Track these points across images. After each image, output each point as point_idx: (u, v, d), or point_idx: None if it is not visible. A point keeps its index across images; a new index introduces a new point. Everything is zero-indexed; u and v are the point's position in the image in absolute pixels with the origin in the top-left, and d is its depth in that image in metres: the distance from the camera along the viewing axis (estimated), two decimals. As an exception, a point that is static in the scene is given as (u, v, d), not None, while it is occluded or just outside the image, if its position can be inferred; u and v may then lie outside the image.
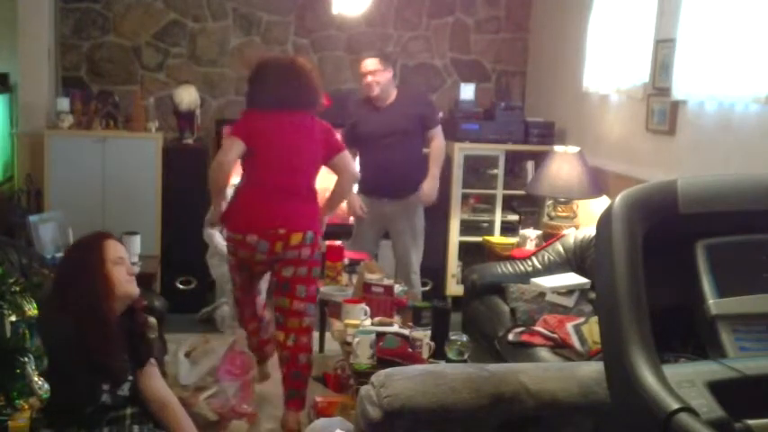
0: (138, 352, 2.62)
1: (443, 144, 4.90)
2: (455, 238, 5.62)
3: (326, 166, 3.81)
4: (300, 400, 3.67)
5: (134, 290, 2.64)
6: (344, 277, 4.32)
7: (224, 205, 3.69)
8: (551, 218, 5.01)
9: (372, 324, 3.49)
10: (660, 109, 4.24)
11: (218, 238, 4.88)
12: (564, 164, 4.82)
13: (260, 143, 3.64)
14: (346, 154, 3.85)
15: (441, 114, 5.76)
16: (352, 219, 5.03)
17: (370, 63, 4.61)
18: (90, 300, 2.47)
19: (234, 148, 3.60)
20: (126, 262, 2.65)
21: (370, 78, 4.60)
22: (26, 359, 1.91)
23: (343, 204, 4.55)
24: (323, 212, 3.84)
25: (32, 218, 4.44)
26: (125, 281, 2.60)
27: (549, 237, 4.84)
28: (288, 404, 3.65)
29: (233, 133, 3.71)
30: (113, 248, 2.63)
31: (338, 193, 3.90)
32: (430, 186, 4.77)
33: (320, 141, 3.73)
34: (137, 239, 4.32)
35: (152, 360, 2.68)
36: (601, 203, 4.73)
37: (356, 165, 4.82)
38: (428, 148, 4.87)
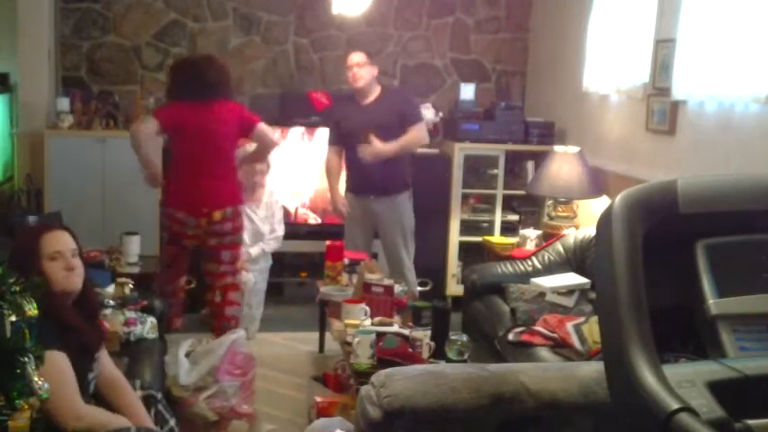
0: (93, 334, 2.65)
1: (419, 138, 4.87)
2: (455, 238, 5.62)
3: (248, 140, 4.44)
4: None
5: (71, 285, 2.57)
6: (344, 277, 4.32)
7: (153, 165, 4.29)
8: (551, 218, 5.01)
9: (372, 324, 3.50)
10: (660, 109, 4.24)
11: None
12: (564, 164, 4.82)
13: (181, 130, 4.19)
14: (262, 125, 4.33)
15: (440, 115, 5.80)
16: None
17: (356, 56, 4.82)
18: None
19: (147, 122, 4.20)
20: (64, 256, 2.56)
21: (355, 70, 4.78)
22: (26, 359, 1.90)
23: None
24: (242, 165, 4.50)
25: (32, 218, 4.44)
26: (61, 277, 2.53)
27: (549, 237, 4.84)
28: None
29: (152, 114, 4.36)
30: (49, 243, 2.56)
31: (257, 155, 4.53)
32: (380, 147, 4.69)
33: (235, 122, 4.26)
34: (136, 239, 4.33)
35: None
36: (601, 203, 4.73)
37: (342, 163, 5.01)
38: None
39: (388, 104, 4.85)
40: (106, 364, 2.72)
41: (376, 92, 4.87)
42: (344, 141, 4.93)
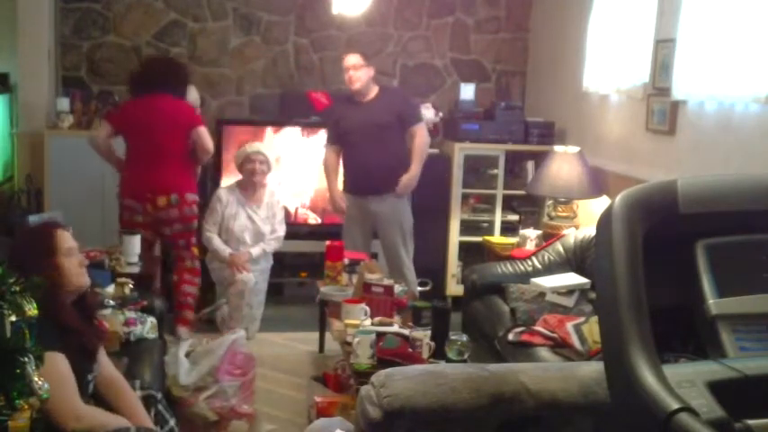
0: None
1: (426, 141, 4.98)
2: (455, 238, 5.62)
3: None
4: (186, 320, 4.74)
5: (85, 281, 2.65)
6: (344, 277, 4.32)
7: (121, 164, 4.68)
8: (551, 218, 5.01)
9: (372, 324, 3.50)
10: (660, 109, 4.24)
11: (216, 241, 4.88)
12: (564, 164, 4.81)
13: (128, 126, 4.57)
14: (201, 130, 4.59)
15: (440, 115, 5.80)
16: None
17: (353, 58, 4.83)
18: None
19: (101, 128, 4.69)
20: (77, 252, 2.64)
21: (351, 72, 4.81)
22: (26, 359, 1.90)
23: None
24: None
25: (32, 218, 4.43)
26: (76, 273, 2.60)
27: (549, 237, 4.84)
28: (177, 321, 4.70)
29: (104, 117, 4.87)
30: (64, 239, 2.62)
31: (194, 155, 4.70)
32: (407, 179, 4.88)
33: (180, 118, 4.57)
34: (137, 239, 4.31)
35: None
36: (601, 203, 4.73)
37: (340, 163, 5.06)
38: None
39: (386, 104, 4.88)
40: (105, 364, 2.72)
41: (374, 92, 4.90)
42: (343, 140, 4.96)
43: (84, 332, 2.57)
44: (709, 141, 3.85)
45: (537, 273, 4.42)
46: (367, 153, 4.84)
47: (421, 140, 4.92)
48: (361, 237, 5.01)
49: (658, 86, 4.24)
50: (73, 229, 4.26)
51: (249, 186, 4.91)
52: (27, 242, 2.73)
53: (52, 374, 2.13)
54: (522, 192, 5.45)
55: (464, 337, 3.27)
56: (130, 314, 3.52)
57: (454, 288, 5.57)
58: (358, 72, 4.79)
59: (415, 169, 4.88)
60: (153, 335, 3.55)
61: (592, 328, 3.60)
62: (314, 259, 5.38)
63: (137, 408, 2.65)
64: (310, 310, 4.95)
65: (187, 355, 3.62)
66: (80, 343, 2.53)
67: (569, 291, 4.09)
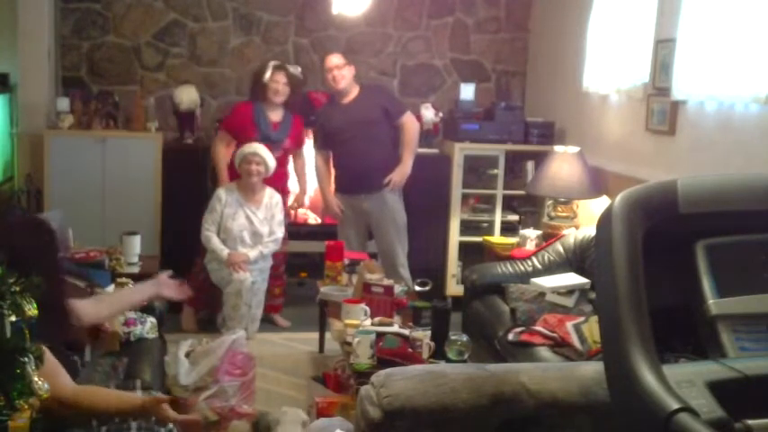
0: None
1: (416, 129, 5.09)
2: (455, 238, 5.62)
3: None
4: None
5: None
6: (344, 277, 4.33)
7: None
8: (551, 218, 5.00)
9: (372, 324, 3.50)
10: (660, 109, 4.24)
11: (214, 240, 4.87)
12: (564, 164, 4.81)
13: None
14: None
15: (440, 115, 5.80)
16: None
17: (335, 58, 4.98)
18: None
19: None
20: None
21: (336, 72, 4.92)
22: (26, 359, 1.90)
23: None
24: None
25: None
26: None
27: (549, 237, 4.84)
28: None
29: None
30: None
31: None
32: (399, 172, 4.98)
33: None
34: (137, 239, 4.32)
35: None
36: (601, 203, 4.73)
37: (330, 166, 5.16)
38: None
39: (370, 100, 4.97)
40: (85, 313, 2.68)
41: (355, 90, 4.99)
42: (331, 142, 5.03)
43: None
44: (709, 141, 3.85)
45: (537, 273, 4.42)
46: (357, 151, 4.89)
47: (411, 129, 5.02)
48: (356, 236, 5.04)
49: (658, 86, 4.24)
50: (73, 230, 4.32)
51: (248, 187, 4.91)
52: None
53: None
54: (522, 192, 5.45)
55: (464, 337, 3.27)
56: (130, 314, 3.52)
57: (454, 288, 5.56)
58: (342, 71, 4.90)
59: (406, 160, 4.98)
60: (153, 335, 3.55)
61: (592, 328, 3.60)
62: (314, 259, 5.38)
63: (117, 393, 2.58)
64: (310, 310, 4.95)
65: (187, 355, 3.62)
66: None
67: (569, 291, 4.09)
